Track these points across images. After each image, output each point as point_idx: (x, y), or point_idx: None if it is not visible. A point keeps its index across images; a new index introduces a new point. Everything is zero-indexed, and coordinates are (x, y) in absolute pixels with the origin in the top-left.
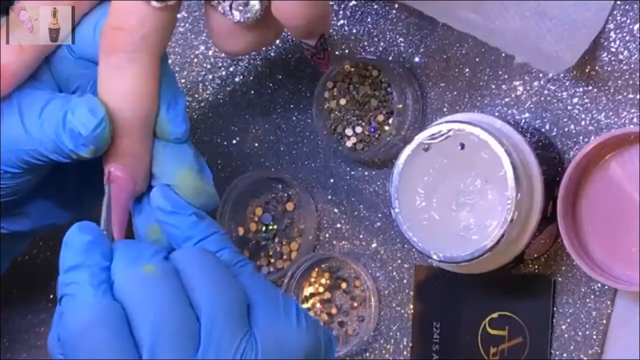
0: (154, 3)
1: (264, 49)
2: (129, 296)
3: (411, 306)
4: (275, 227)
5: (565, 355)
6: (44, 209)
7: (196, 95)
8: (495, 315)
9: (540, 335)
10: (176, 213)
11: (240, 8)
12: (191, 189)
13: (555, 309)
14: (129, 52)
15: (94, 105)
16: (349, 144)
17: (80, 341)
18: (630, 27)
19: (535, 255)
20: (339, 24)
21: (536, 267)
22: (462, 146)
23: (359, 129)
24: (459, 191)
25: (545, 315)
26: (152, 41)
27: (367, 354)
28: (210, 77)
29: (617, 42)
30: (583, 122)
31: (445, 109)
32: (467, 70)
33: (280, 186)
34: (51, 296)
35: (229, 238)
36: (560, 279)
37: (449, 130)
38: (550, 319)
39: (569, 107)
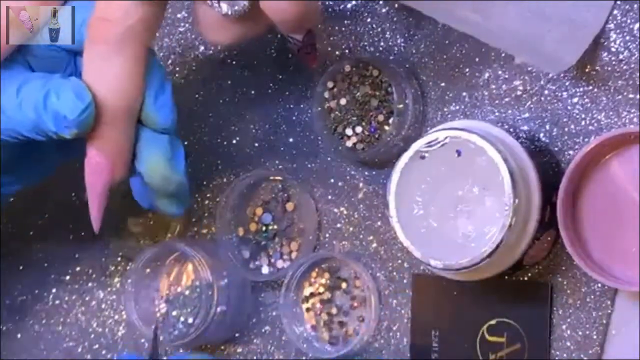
0: None
1: (264, 49)
2: None
3: (411, 306)
4: (275, 227)
5: (565, 355)
6: (21, 175)
7: (196, 95)
8: (493, 322)
9: (538, 341)
10: None
11: (228, 1)
12: (159, 176)
13: (555, 309)
14: (113, 43)
15: (80, 89)
16: (349, 143)
17: None
18: (630, 27)
19: (534, 262)
20: (339, 24)
21: (535, 272)
22: (459, 153)
23: (359, 129)
24: (456, 198)
25: (544, 321)
26: (138, 33)
27: (367, 354)
28: (210, 77)
29: (617, 42)
30: (583, 122)
31: (445, 109)
32: (467, 70)
33: (280, 186)
34: (51, 296)
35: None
36: (560, 279)
37: (446, 138)
38: (548, 325)
39: (569, 107)
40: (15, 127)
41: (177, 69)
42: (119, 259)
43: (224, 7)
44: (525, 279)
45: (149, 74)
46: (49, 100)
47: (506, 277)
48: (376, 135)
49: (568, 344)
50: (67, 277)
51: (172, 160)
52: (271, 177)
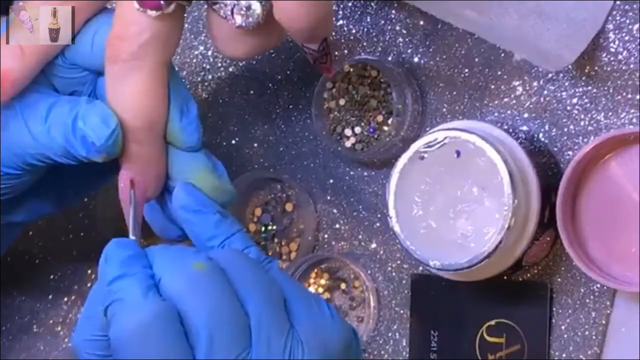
0: (150, 12)
1: None
2: (181, 294)
3: (410, 306)
4: (274, 227)
5: (564, 355)
6: (40, 201)
7: (196, 95)
8: (492, 322)
9: (538, 342)
10: (201, 212)
11: (242, 12)
12: (209, 188)
13: (554, 310)
14: (129, 60)
15: (105, 114)
16: (348, 144)
17: (134, 342)
18: (630, 27)
19: (534, 262)
20: (338, 24)
21: (535, 272)
22: (458, 154)
23: (358, 129)
24: (456, 199)
25: (543, 322)
26: (153, 50)
27: (367, 354)
28: (210, 77)
29: (617, 42)
30: (582, 123)
31: (444, 109)
32: (466, 70)
33: (279, 186)
34: (50, 296)
35: (248, 236)
36: (559, 280)
37: (445, 138)
38: (547, 326)
39: (569, 108)
40: (45, 152)
41: (177, 69)
42: None
43: (238, 19)
44: (525, 279)
45: (173, 92)
46: (76, 126)
47: (505, 278)
48: (375, 136)
49: (567, 344)
50: (67, 277)
51: (216, 169)
52: (271, 177)
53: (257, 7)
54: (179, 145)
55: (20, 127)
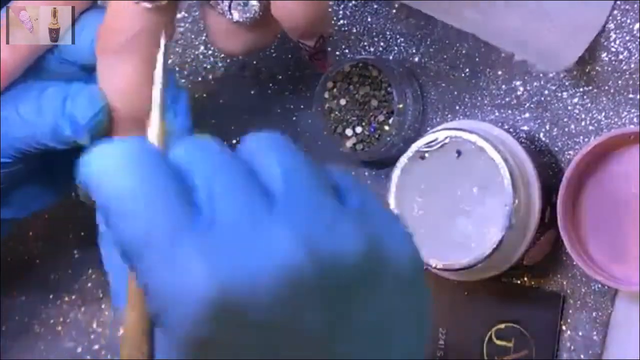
0: (144, 3)
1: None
2: (185, 155)
3: None
4: None
5: (565, 355)
6: (31, 195)
7: (196, 95)
8: (502, 326)
9: (546, 349)
10: None
11: (240, 8)
12: None
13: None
14: (119, 51)
15: (94, 95)
16: (349, 144)
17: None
18: (630, 27)
19: (534, 262)
20: (339, 24)
21: (536, 272)
22: (459, 153)
23: (359, 129)
24: (456, 198)
25: (553, 330)
26: (144, 42)
27: None
28: (210, 77)
29: (617, 42)
30: (583, 122)
31: (445, 109)
32: (467, 70)
33: None
34: (50, 296)
35: None
36: (560, 279)
37: (446, 138)
38: (557, 334)
39: (569, 107)
40: (34, 135)
41: (177, 69)
42: None
43: (236, 14)
44: (539, 286)
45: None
46: (66, 104)
47: (518, 282)
48: (376, 136)
49: (568, 344)
50: (67, 277)
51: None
52: None
53: (254, 3)
54: (172, 135)
55: (12, 112)
